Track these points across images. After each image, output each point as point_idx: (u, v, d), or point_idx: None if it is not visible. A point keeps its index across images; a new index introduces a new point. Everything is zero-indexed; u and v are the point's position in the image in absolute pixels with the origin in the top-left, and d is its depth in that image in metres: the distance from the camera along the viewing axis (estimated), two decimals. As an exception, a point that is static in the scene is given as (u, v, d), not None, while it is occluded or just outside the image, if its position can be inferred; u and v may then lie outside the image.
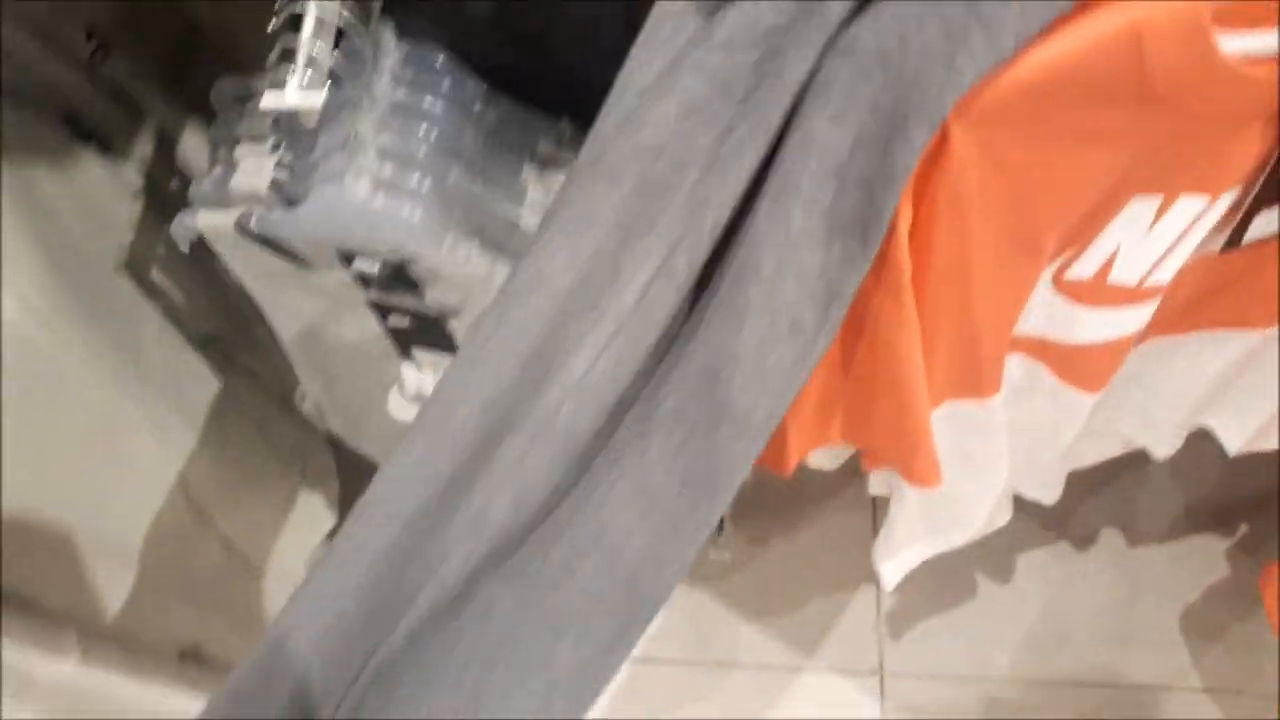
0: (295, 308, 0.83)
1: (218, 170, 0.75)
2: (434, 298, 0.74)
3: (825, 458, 0.70)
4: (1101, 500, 1.27)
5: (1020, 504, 1.19)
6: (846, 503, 1.26)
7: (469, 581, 0.43)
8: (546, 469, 0.42)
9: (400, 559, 0.42)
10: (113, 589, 0.76)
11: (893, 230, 0.43)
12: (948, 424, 0.60)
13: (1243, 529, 1.25)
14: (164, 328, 0.86)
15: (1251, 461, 0.86)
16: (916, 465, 0.57)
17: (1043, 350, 0.60)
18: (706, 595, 1.22)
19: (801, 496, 1.28)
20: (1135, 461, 1.23)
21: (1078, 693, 1.17)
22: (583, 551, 0.43)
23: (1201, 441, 0.86)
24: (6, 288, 0.67)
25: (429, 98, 0.66)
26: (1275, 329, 0.64)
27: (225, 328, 0.96)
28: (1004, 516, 0.77)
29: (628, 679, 1.18)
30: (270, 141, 0.76)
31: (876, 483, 0.73)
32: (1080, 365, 0.60)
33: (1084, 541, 1.25)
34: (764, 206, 0.42)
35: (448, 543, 0.42)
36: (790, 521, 1.27)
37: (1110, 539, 1.25)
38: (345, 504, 1.09)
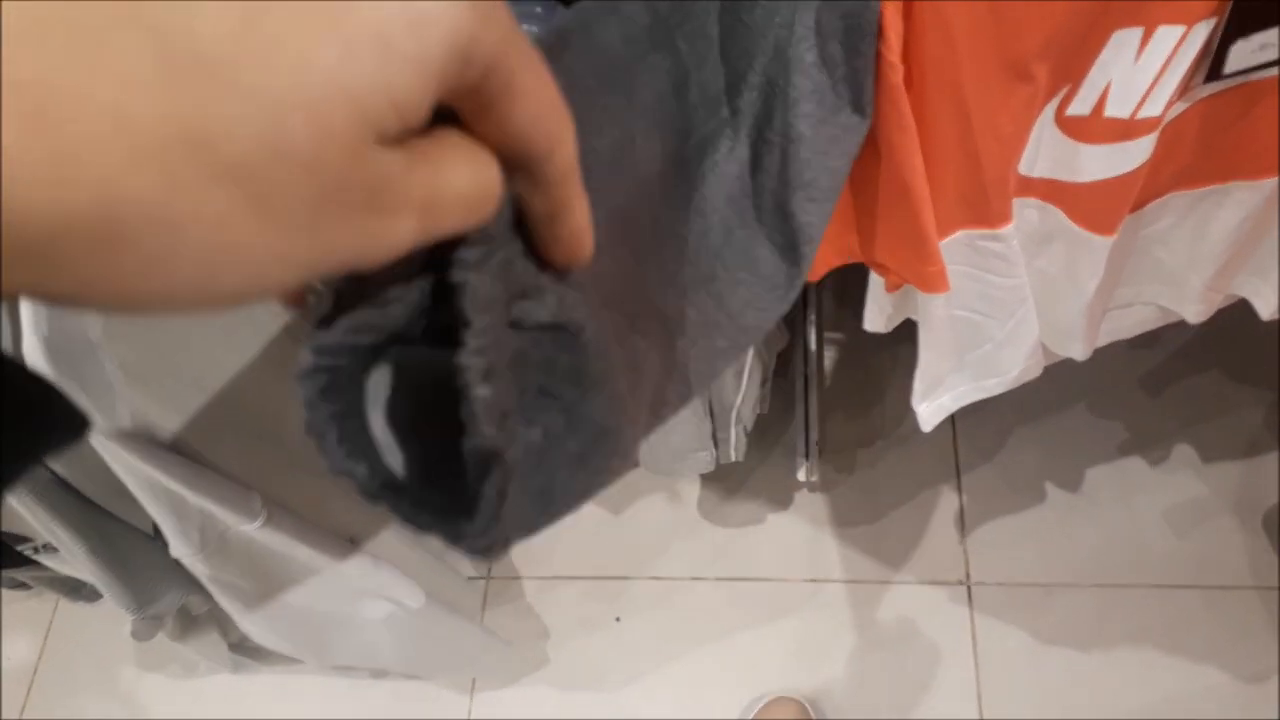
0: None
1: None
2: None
3: (877, 319, 0.78)
4: (1174, 415, 1.31)
5: (1096, 422, 1.24)
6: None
7: None
8: None
9: None
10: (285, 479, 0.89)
11: (884, 40, 0.53)
12: (964, 251, 0.68)
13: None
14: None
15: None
16: (926, 271, 0.65)
17: (1054, 192, 0.67)
18: (797, 518, 1.29)
19: (884, 427, 1.35)
20: (1208, 375, 1.27)
21: (1161, 594, 1.20)
22: None
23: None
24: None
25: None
26: (1277, 180, 0.70)
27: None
28: (1036, 369, 0.83)
29: (725, 594, 1.26)
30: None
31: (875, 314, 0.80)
32: (1090, 205, 0.67)
33: (1159, 455, 1.29)
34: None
35: None
36: (874, 450, 1.34)
37: (1184, 452, 1.29)
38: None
